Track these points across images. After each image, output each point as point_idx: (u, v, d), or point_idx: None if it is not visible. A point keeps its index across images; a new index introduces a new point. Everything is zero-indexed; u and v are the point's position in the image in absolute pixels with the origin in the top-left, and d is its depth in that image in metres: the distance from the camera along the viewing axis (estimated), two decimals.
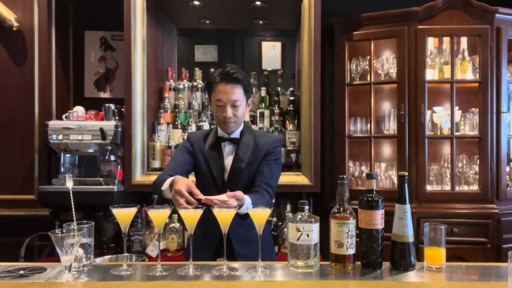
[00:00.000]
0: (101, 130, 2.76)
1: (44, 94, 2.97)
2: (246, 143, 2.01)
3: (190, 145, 2.05)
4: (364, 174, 3.03)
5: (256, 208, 1.57)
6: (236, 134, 2.02)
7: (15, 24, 2.87)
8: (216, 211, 1.54)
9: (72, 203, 1.61)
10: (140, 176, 2.85)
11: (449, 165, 2.88)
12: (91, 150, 2.89)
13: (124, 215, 1.57)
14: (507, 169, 2.93)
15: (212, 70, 3.21)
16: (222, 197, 1.70)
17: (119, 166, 2.89)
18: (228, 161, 2.00)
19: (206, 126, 2.97)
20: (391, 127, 3.00)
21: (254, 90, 3.22)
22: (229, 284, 1.42)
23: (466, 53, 2.92)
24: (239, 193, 1.74)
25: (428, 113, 2.86)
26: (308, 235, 1.50)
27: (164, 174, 1.92)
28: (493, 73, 2.82)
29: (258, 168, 2.00)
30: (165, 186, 1.83)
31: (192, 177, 2.04)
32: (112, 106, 2.96)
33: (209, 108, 3.03)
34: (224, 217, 1.54)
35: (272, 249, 2.23)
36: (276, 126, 3.00)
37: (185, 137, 2.90)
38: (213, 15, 3.39)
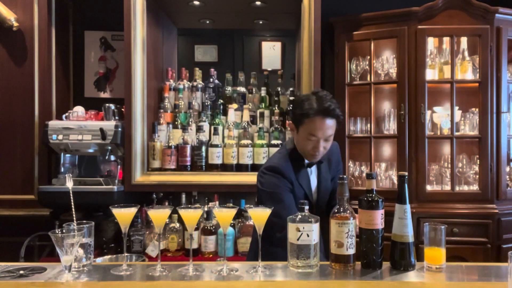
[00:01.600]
0: (101, 130, 2.76)
1: (44, 94, 2.97)
2: (325, 161, 2.03)
3: (286, 179, 1.92)
4: (364, 174, 3.03)
5: (256, 208, 1.57)
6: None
7: (15, 24, 2.87)
8: (216, 211, 1.55)
9: (72, 203, 1.61)
10: (140, 176, 2.85)
11: (449, 165, 2.88)
12: (91, 150, 2.88)
13: (124, 215, 1.57)
14: (507, 169, 2.93)
15: (212, 70, 3.23)
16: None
17: (119, 166, 2.89)
18: (314, 182, 2.01)
19: (206, 126, 2.97)
20: (391, 127, 3.00)
21: (254, 90, 3.22)
22: (229, 284, 1.43)
23: (466, 53, 2.91)
24: None
25: (428, 113, 2.86)
26: (308, 235, 1.50)
27: None
28: (493, 73, 2.82)
29: (335, 180, 2.01)
30: None
31: None
32: (112, 106, 2.96)
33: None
34: (224, 217, 1.54)
35: None
36: (276, 126, 3.00)
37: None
38: (213, 15, 3.39)
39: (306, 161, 1.97)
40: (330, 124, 1.85)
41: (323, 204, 2.00)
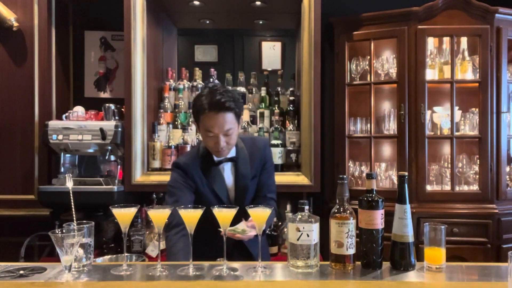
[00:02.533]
0: (101, 130, 2.76)
1: (44, 94, 2.97)
2: (244, 158, 1.97)
3: (188, 178, 1.93)
4: (364, 174, 3.03)
5: (256, 208, 1.57)
6: (232, 153, 1.96)
7: (15, 24, 2.87)
8: (216, 211, 1.54)
9: (72, 203, 1.61)
10: (140, 176, 2.84)
11: (449, 165, 2.88)
12: (91, 150, 2.88)
13: (124, 215, 1.57)
14: (507, 169, 2.93)
15: (212, 70, 3.23)
16: (241, 225, 1.72)
17: (119, 166, 2.89)
18: (230, 179, 1.96)
19: None
20: (391, 127, 3.00)
21: (254, 90, 3.22)
22: (229, 284, 1.42)
23: (466, 53, 2.92)
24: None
25: (428, 113, 2.86)
26: (308, 235, 1.50)
27: (173, 234, 1.85)
28: (493, 73, 2.82)
29: (260, 178, 1.99)
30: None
31: None
32: (112, 106, 2.96)
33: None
34: (224, 217, 1.54)
35: (267, 247, 2.29)
36: (276, 126, 3.00)
37: (183, 137, 2.90)
38: (213, 15, 3.39)
39: (216, 158, 1.92)
40: (225, 118, 1.79)
41: (243, 202, 1.87)
